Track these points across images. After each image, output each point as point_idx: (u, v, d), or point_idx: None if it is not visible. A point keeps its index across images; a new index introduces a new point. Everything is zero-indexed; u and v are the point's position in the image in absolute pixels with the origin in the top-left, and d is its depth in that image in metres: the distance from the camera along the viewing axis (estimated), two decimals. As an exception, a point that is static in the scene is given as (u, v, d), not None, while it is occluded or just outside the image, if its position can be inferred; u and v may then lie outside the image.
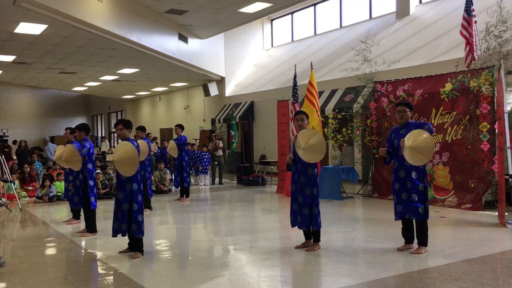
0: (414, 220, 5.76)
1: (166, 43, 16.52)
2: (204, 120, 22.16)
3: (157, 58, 16.74)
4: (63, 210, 10.04)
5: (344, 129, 11.22)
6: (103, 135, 33.00)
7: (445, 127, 9.48)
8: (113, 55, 16.52)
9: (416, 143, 5.40)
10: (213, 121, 20.41)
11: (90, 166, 7.38)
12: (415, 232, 5.79)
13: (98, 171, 11.90)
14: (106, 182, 11.93)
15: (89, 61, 17.55)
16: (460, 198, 9.06)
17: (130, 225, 5.79)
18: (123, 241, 6.64)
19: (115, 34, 14.23)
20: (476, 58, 8.88)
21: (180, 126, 11.16)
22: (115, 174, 12.39)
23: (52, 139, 30.69)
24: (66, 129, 8.61)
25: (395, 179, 5.79)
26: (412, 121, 5.88)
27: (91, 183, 7.36)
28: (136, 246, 5.86)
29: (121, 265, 5.45)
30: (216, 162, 15.00)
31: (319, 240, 6.04)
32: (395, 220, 5.88)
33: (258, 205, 10.78)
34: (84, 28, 13.28)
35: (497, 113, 8.00)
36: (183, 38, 17.27)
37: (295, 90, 11.96)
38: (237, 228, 7.98)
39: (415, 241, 5.84)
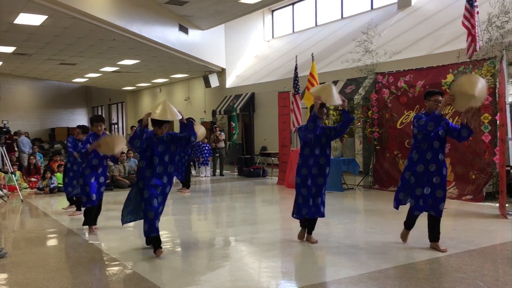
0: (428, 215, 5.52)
1: (167, 34, 16.45)
2: (204, 111, 22.13)
3: (158, 49, 16.68)
4: (64, 202, 10.06)
5: (345, 121, 11.18)
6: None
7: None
8: (114, 46, 16.47)
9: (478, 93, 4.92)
10: (213, 113, 20.38)
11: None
12: (428, 227, 5.52)
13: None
14: (107, 173, 11.92)
15: (89, 52, 17.49)
16: (461, 190, 9.06)
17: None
18: (126, 233, 6.67)
19: (115, 25, 14.17)
20: (478, 49, 8.83)
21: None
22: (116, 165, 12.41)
23: (53, 131, 30.77)
24: (78, 127, 8.33)
25: (423, 172, 5.36)
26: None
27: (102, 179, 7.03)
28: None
29: (122, 256, 5.47)
30: (217, 154, 15.00)
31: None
32: (414, 214, 5.56)
33: (259, 197, 10.79)
34: (84, 19, 13.22)
35: (498, 104, 7.97)
36: (183, 29, 17.20)
37: (296, 82, 11.93)
38: (238, 219, 8.00)
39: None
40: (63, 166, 11.71)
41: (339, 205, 8.99)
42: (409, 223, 5.74)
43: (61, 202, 10.17)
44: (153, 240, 5.45)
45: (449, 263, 4.92)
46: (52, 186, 11.36)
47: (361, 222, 7.58)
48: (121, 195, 11.04)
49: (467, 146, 9.03)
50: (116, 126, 32.22)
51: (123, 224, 5.77)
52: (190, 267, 5.07)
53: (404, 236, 5.81)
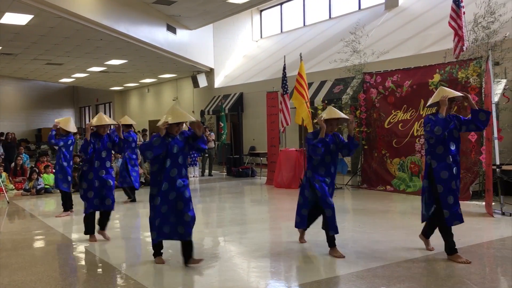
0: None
1: (154, 34, 16.38)
2: (193, 111, 22.06)
3: (145, 49, 16.60)
4: (51, 203, 9.97)
5: (333, 120, 11.23)
6: (91, 127, 32.66)
7: (433, 118, 9.52)
8: (101, 46, 16.35)
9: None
10: (202, 113, 20.33)
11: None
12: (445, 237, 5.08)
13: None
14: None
15: (76, 52, 17.34)
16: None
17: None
18: (113, 234, 6.62)
19: (102, 24, 14.07)
20: (465, 49, 8.92)
21: None
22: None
23: (39, 131, 30.45)
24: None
25: (451, 177, 5.01)
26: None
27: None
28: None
29: (111, 257, 5.43)
30: (206, 154, 14.97)
31: None
32: (453, 225, 5.02)
33: (247, 197, 10.79)
34: (71, 19, 13.11)
35: (484, 104, 8.06)
36: (171, 29, 17.13)
37: (284, 82, 11.94)
38: (227, 219, 7.99)
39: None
40: (50, 168, 11.61)
41: (328, 205, 9.01)
42: (430, 232, 5.36)
43: (48, 203, 10.07)
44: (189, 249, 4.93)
45: (436, 262, 4.96)
46: (39, 187, 11.24)
47: (350, 221, 7.61)
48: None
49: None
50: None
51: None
52: (178, 268, 5.05)
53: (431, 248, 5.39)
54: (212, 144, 15.01)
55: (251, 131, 18.17)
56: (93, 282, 4.63)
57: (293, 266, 5.14)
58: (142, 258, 5.40)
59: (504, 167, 8.25)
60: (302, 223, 5.72)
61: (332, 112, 5.50)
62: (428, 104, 5.33)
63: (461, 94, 5.18)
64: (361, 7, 16.89)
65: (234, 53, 21.06)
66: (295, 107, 11.49)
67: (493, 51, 8.36)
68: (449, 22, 9.10)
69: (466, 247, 5.44)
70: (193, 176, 14.46)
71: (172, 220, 4.87)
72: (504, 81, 8.51)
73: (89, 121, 34.27)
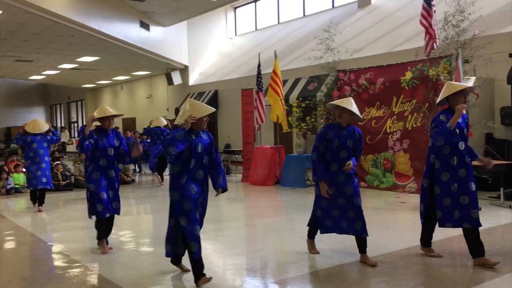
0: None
1: (127, 31, 16.17)
2: (167, 109, 21.88)
3: (118, 46, 16.37)
4: (21, 203, 9.74)
5: (308, 118, 11.30)
6: (62, 125, 32.10)
7: (405, 114, 9.69)
8: (72, 42, 16.05)
9: None
10: (177, 110, 20.16)
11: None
12: (467, 242, 4.75)
13: (58, 162, 11.60)
14: (67, 173, 11.64)
15: (47, 48, 16.98)
16: (420, 184, 9.28)
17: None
18: (86, 234, 6.51)
19: (73, 21, 13.82)
20: (435, 47, 9.09)
21: None
22: (77, 166, 12.12)
23: (9, 130, 29.71)
24: None
25: (452, 178, 4.70)
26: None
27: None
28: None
29: (84, 258, 5.34)
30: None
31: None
32: (445, 227, 4.81)
33: (223, 194, 10.74)
34: (41, 15, 12.83)
35: (455, 101, 8.21)
36: (144, 25, 16.94)
37: (259, 79, 11.95)
38: (202, 217, 7.94)
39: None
40: (21, 167, 11.34)
41: (303, 202, 9.07)
42: (428, 237, 5.09)
43: (18, 203, 9.84)
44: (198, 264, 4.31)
45: (409, 256, 5.05)
46: (8, 187, 10.96)
47: (325, 217, 7.66)
48: (82, 195, 10.79)
49: (425, 141, 9.28)
50: (75, 124, 31.42)
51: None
52: (154, 267, 5.00)
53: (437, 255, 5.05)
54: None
55: (226, 129, 18.13)
56: (66, 284, 4.54)
57: (268, 263, 5.16)
58: (119, 260, 5.33)
59: (472, 163, 8.43)
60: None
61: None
62: (437, 102, 5.10)
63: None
64: (335, 5, 17.03)
65: (209, 50, 20.96)
66: (270, 105, 11.51)
67: (463, 49, 8.55)
68: (420, 21, 9.25)
69: (438, 241, 5.53)
70: (168, 174, 14.33)
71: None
72: (473, 78, 8.69)
73: (61, 118, 33.25)
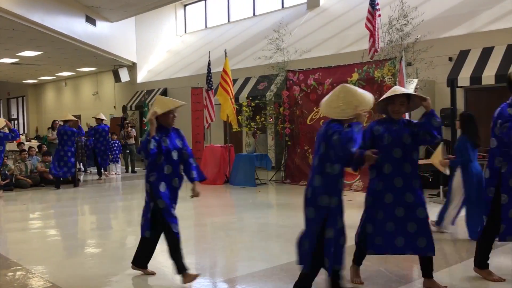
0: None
1: (72, 25, 15.63)
2: (114, 107, 21.36)
3: (62, 41, 15.80)
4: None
5: (257, 117, 11.39)
6: (2, 122, 30.59)
7: (352, 115, 9.94)
8: (12, 36, 15.33)
9: None
10: (124, 108, 19.72)
11: None
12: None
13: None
14: (6, 172, 11.12)
15: (-15, 42, 16.14)
16: (366, 182, 9.56)
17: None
18: (28, 235, 6.29)
19: (14, 13, 13.20)
20: (378, 50, 9.39)
21: None
22: (17, 164, 11.59)
23: None
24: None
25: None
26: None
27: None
28: None
29: (27, 261, 5.12)
30: (128, 151, 14.57)
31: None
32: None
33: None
34: (-22, 6, 12.18)
35: (398, 102, 8.53)
36: (90, 20, 16.44)
37: (209, 78, 11.92)
38: (151, 217, 7.82)
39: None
40: None
41: (252, 200, 9.13)
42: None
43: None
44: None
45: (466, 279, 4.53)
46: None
47: (274, 216, 7.76)
48: (23, 195, 10.35)
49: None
50: (16, 121, 30.04)
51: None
52: (101, 268, 4.88)
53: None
54: (132, 140, 14.64)
55: (175, 127, 17.90)
56: (5, 287, 4.36)
57: (218, 262, 5.15)
58: (62, 261, 5.15)
59: (419, 162, 8.79)
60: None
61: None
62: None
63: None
64: (284, 6, 17.21)
65: (158, 48, 20.64)
66: (220, 103, 11.49)
67: (406, 52, 8.90)
68: (365, 24, 9.53)
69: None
70: (115, 174, 14.02)
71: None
72: (415, 80, 9.06)
73: (1, 115, 31.65)
